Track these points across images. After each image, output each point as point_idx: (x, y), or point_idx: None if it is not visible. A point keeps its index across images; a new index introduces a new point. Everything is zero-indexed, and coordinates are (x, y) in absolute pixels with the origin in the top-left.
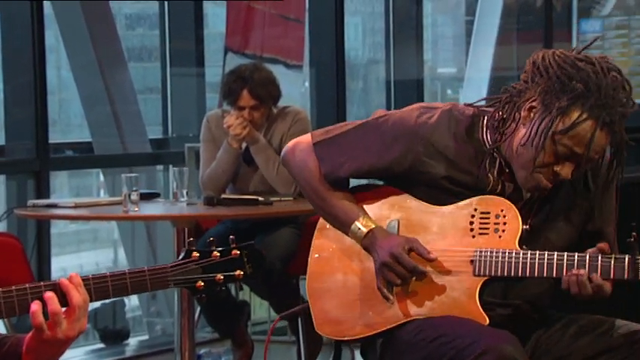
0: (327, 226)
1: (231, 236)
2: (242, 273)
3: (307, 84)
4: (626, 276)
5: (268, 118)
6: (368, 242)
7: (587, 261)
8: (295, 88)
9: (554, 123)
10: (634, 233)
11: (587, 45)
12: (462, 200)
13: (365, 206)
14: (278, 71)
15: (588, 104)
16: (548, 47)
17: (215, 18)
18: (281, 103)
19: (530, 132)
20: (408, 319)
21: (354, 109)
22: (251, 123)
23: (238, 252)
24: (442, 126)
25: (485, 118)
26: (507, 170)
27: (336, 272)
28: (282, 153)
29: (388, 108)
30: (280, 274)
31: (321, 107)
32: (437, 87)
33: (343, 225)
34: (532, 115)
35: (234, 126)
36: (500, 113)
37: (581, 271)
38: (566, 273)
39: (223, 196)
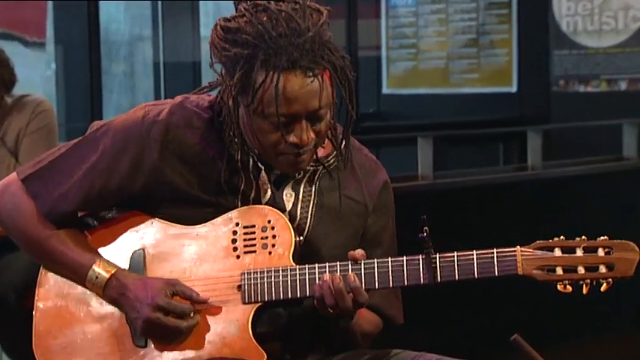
0: None
1: None
2: None
3: (53, 66)
4: (422, 280)
5: (0, 110)
6: (115, 294)
7: (366, 269)
8: (36, 71)
9: (240, 101)
10: (426, 228)
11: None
12: (219, 214)
13: (102, 240)
14: (13, 50)
15: (258, 61)
16: (353, 24)
17: None
18: (17, 91)
19: (238, 121)
20: None
21: (114, 98)
22: None
23: None
24: (176, 123)
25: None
26: (260, 164)
27: (72, 323)
28: None
29: (157, 96)
30: (15, 308)
31: (72, 96)
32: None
33: (77, 276)
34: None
35: None
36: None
37: (335, 277)
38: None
39: None
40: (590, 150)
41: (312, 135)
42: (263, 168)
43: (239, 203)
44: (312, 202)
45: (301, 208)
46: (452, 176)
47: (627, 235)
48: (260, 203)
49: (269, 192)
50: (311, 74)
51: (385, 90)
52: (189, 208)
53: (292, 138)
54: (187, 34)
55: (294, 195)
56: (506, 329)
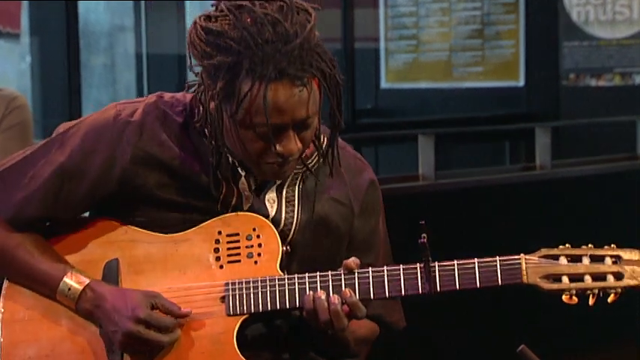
0: None
1: None
2: None
3: (28, 59)
4: (421, 290)
5: None
6: (89, 306)
7: (360, 279)
8: (11, 64)
9: (225, 111)
10: (424, 235)
11: None
12: (198, 219)
13: (71, 250)
14: None
15: (243, 70)
16: (349, 14)
17: None
18: None
19: (222, 129)
20: None
21: (93, 93)
22: None
23: None
24: (151, 124)
25: (202, 106)
26: (241, 169)
27: (39, 339)
28: None
29: (140, 90)
30: None
31: (48, 90)
32: None
33: (47, 288)
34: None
35: None
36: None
37: (332, 297)
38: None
39: None
40: (603, 148)
41: (299, 144)
42: (244, 174)
43: (219, 207)
44: (296, 205)
45: (285, 212)
46: (455, 176)
47: None
48: (242, 210)
49: (250, 198)
50: (299, 83)
51: (384, 84)
52: (164, 213)
53: (279, 148)
54: (172, 24)
55: (277, 200)
56: (513, 339)
